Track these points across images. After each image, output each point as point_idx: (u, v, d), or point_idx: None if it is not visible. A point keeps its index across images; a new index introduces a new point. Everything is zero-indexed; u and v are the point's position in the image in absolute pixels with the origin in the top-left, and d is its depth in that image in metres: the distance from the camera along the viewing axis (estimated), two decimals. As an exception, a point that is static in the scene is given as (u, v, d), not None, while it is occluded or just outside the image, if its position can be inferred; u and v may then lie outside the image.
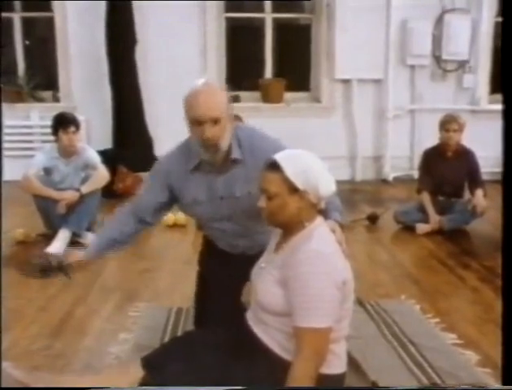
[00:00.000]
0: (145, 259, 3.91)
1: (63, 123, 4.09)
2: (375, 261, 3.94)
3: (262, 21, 6.70)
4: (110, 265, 3.81)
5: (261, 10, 6.71)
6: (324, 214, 1.94)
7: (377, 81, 6.59)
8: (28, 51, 6.77)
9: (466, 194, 4.65)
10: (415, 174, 5.65)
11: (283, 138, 2.27)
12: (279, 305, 1.77)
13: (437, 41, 6.50)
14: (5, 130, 5.97)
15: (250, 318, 1.93)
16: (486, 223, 4.51)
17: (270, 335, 1.82)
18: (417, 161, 5.54)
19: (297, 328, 1.71)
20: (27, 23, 6.74)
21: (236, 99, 6.28)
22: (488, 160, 5.36)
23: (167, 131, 6.28)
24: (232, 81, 6.47)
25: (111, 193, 5.42)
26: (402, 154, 6.71)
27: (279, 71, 6.79)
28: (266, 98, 6.56)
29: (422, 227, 4.50)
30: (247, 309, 1.99)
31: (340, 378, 1.87)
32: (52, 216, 4.11)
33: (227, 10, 6.59)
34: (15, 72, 6.67)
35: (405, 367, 2.42)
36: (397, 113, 6.64)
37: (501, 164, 1.99)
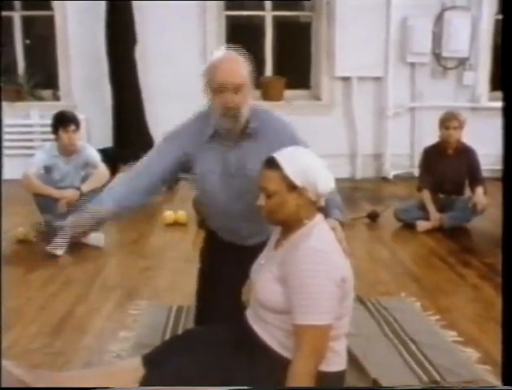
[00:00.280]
0: (145, 257, 3.92)
1: (63, 121, 4.09)
2: (376, 258, 3.94)
3: (262, 19, 6.70)
4: (111, 263, 3.82)
5: (261, 8, 6.71)
6: (324, 211, 1.94)
7: (377, 79, 6.59)
8: (28, 50, 6.77)
9: (467, 192, 4.65)
10: (415, 172, 5.65)
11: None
12: (278, 303, 1.77)
13: (437, 38, 6.49)
14: (5, 129, 5.97)
15: (250, 315, 1.93)
16: (486, 221, 4.51)
17: (269, 332, 1.82)
18: (417, 159, 5.54)
19: (296, 326, 1.71)
20: (27, 22, 6.74)
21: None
22: (489, 157, 5.36)
23: (167, 130, 6.33)
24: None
25: (112, 192, 5.42)
26: (402, 152, 6.71)
27: (279, 69, 6.79)
28: (267, 96, 6.55)
29: (422, 225, 4.50)
30: (246, 307, 1.99)
31: (340, 375, 1.87)
32: (52, 215, 4.11)
33: (228, 8, 6.60)
34: (15, 71, 6.68)
35: (406, 365, 2.42)
36: (397, 111, 6.64)
37: (501, 161, 1.99)
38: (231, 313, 2.05)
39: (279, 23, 6.72)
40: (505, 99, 1.88)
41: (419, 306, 3.06)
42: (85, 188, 4.12)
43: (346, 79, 6.56)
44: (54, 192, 4.08)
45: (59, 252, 3.87)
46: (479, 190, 4.47)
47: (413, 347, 2.57)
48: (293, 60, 6.96)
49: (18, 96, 6.51)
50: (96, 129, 6.36)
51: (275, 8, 6.69)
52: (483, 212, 4.46)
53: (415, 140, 6.68)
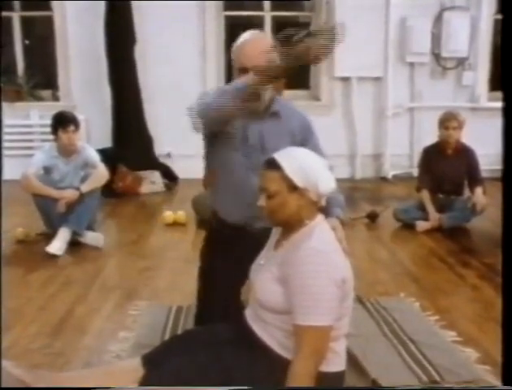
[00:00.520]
0: (145, 258, 3.92)
1: (63, 122, 4.09)
2: (375, 259, 3.94)
3: (261, 20, 6.69)
4: (110, 263, 3.82)
5: (260, 8, 6.71)
6: (326, 210, 1.95)
7: (376, 79, 6.59)
8: (27, 50, 6.77)
9: (466, 192, 4.65)
10: (415, 172, 5.65)
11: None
12: (278, 303, 1.77)
13: (436, 38, 6.50)
14: (5, 129, 5.99)
15: (249, 315, 1.93)
16: (486, 221, 4.51)
17: (269, 332, 1.82)
18: (416, 159, 5.54)
19: (296, 326, 1.71)
20: (26, 23, 6.74)
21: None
22: (488, 157, 5.36)
23: (167, 130, 6.34)
24: (231, 80, 6.45)
25: (111, 192, 5.44)
26: (402, 152, 6.71)
27: (278, 70, 6.78)
28: (266, 96, 6.55)
29: (421, 225, 4.50)
30: (245, 307, 1.99)
31: (339, 376, 1.87)
32: (52, 215, 4.11)
33: (227, 8, 6.60)
34: (14, 71, 6.68)
35: (405, 365, 2.42)
36: (397, 111, 6.64)
37: (500, 161, 2.00)
38: (231, 313, 2.05)
39: (278, 23, 6.71)
40: (505, 99, 1.89)
41: (418, 306, 3.06)
42: (85, 188, 4.12)
43: (346, 79, 6.56)
44: (54, 193, 4.08)
45: (59, 252, 3.87)
46: (479, 190, 4.48)
47: (412, 347, 2.57)
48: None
49: (17, 96, 6.52)
50: (95, 129, 6.37)
51: (274, 8, 6.69)
52: (482, 212, 4.46)
53: (414, 141, 6.68)
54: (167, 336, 2.64)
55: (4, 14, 6.23)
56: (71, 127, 4.09)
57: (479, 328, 2.81)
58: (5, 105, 5.98)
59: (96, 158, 4.30)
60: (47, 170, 4.18)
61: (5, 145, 5.91)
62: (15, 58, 6.69)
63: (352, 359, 2.27)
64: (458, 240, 4.29)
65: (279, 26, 6.70)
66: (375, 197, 5.80)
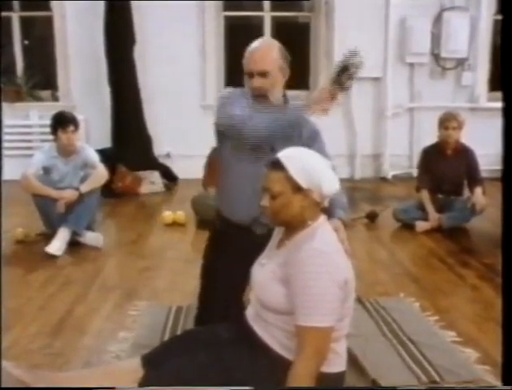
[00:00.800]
0: (144, 258, 3.91)
1: (62, 122, 4.09)
2: (375, 259, 3.94)
3: (260, 20, 6.70)
4: (110, 263, 3.82)
5: (260, 8, 6.71)
6: (328, 211, 1.94)
7: (376, 79, 6.59)
8: (26, 50, 6.77)
9: (466, 192, 4.65)
10: (414, 172, 5.65)
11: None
12: (280, 303, 1.77)
13: (436, 38, 6.50)
14: (4, 129, 5.98)
15: (250, 315, 1.93)
16: (485, 221, 4.51)
17: (270, 332, 1.82)
18: (416, 159, 5.55)
19: (298, 327, 1.71)
20: (26, 23, 6.74)
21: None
22: (488, 158, 5.37)
23: (166, 130, 6.34)
24: (231, 80, 6.46)
25: (111, 192, 5.44)
26: (401, 152, 6.72)
27: (278, 70, 6.78)
28: (266, 97, 6.55)
29: (421, 225, 4.50)
30: (246, 307, 1.99)
31: (340, 376, 1.87)
32: (51, 215, 4.11)
33: (226, 9, 6.60)
34: (13, 72, 6.68)
35: (405, 365, 2.42)
36: (396, 111, 6.64)
37: (500, 162, 2.00)
38: (231, 312, 2.05)
39: (277, 23, 6.71)
40: (505, 99, 1.89)
41: (418, 307, 3.06)
42: (84, 188, 4.12)
43: (345, 79, 6.55)
44: (53, 193, 4.08)
45: (58, 252, 3.87)
46: (478, 190, 4.48)
47: (412, 347, 2.57)
48: (292, 60, 6.93)
49: (17, 96, 6.52)
50: (95, 129, 6.37)
51: (273, 9, 6.69)
52: (482, 212, 4.46)
53: (414, 141, 6.69)
54: (166, 337, 2.64)
55: (3, 14, 6.23)
56: (71, 128, 4.09)
57: (479, 328, 2.80)
58: (4, 105, 5.98)
59: (95, 158, 4.30)
60: (47, 170, 4.18)
61: (5, 145, 5.91)
62: (15, 59, 6.69)
63: (352, 359, 2.27)
64: (458, 241, 4.29)
65: (278, 26, 6.71)
66: (374, 197, 5.80)
